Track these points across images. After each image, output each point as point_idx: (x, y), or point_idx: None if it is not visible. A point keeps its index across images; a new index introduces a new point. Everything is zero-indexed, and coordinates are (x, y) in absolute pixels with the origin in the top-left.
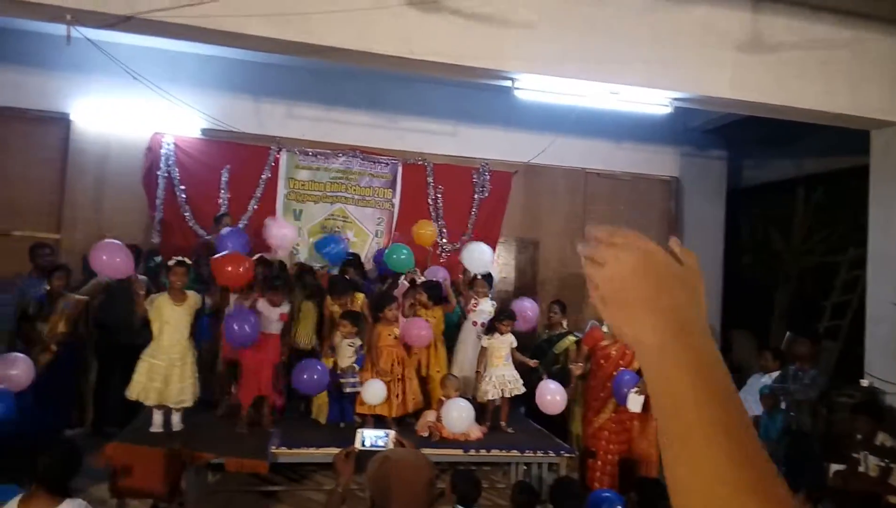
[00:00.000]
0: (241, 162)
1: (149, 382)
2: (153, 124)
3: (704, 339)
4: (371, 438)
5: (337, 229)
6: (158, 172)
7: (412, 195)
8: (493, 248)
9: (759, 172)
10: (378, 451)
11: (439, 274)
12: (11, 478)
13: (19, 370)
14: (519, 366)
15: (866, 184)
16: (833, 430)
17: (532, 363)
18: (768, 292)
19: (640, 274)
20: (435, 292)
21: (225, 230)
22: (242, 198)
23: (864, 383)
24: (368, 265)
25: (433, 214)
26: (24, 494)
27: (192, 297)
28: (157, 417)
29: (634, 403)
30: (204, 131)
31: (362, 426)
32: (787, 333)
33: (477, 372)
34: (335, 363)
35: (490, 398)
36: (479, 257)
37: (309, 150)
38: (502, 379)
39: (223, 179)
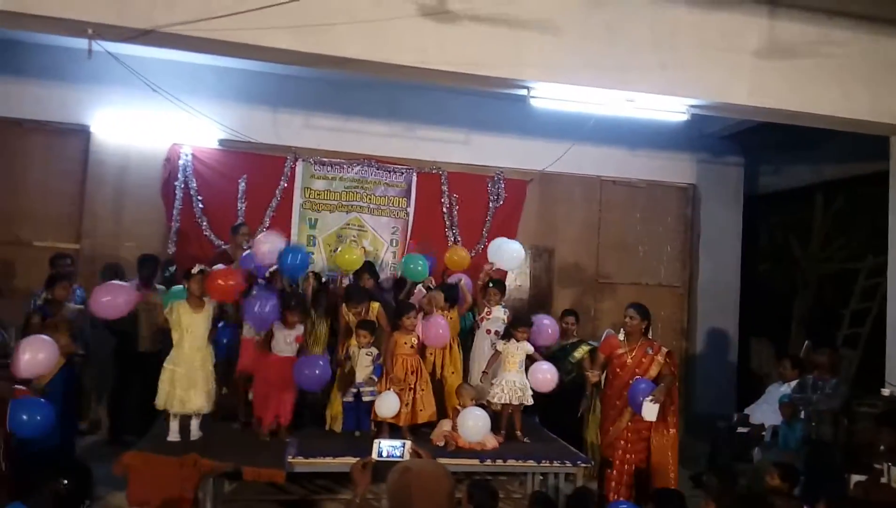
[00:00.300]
0: (258, 172)
1: (172, 390)
2: (171, 135)
3: None
4: (387, 448)
5: (353, 239)
6: (176, 183)
7: (427, 204)
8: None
9: (777, 179)
10: (396, 461)
11: (459, 277)
12: (22, 491)
13: (46, 353)
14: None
15: (886, 190)
16: (854, 440)
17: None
18: (786, 299)
19: None
20: (451, 294)
21: (247, 253)
22: (259, 208)
23: (886, 392)
24: (384, 274)
25: (448, 222)
26: None
27: (210, 304)
28: (174, 425)
29: (649, 412)
30: (221, 142)
31: (378, 434)
32: (806, 341)
33: (484, 373)
34: (351, 372)
35: (499, 401)
36: (510, 253)
37: (324, 159)
38: (513, 385)
39: (240, 189)
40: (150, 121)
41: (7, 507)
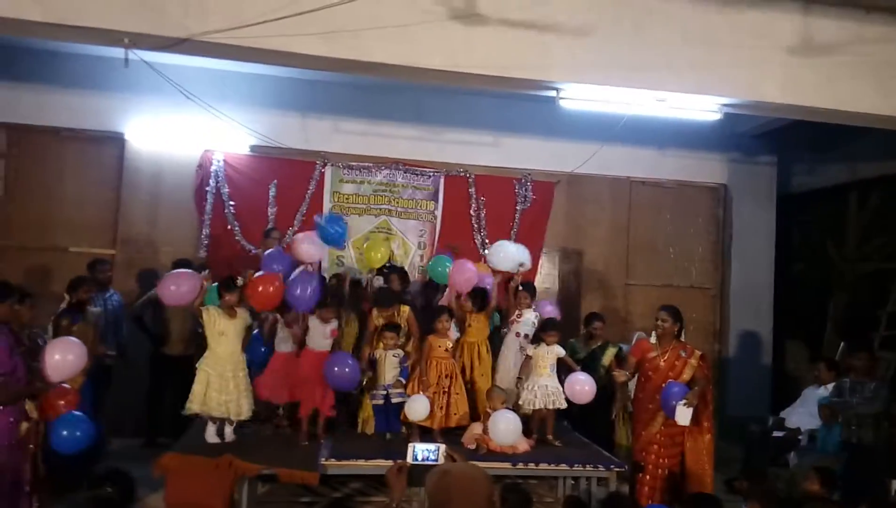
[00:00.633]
0: (288, 177)
1: (207, 392)
2: (204, 142)
3: None
4: (422, 452)
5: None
6: (208, 189)
7: (454, 207)
8: (537, 258)
9: (811, 178)
10: (431, 465)
11: (486, 281)
12: (59, 492)
13: (75, 355)
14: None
15: None
16: (894, 444)
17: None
18: (821, 300)
19: None
20: (479, 297)
21: (269, 251)
22: (289, 212)
23: None
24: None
25: (475, 225)
26: None
27: (243, 313)
28: (211, 428)
29: (683, 416)
30: (252, 148)
31: (409, 437)
32: (842, 343)
33: (518, 379)
34: (377, 376)
35: (531, 407)
36: (504, 255)
37: (353, 163)
38: (545, 390)
39: (271, 194)
40: (183, 128)
41: None
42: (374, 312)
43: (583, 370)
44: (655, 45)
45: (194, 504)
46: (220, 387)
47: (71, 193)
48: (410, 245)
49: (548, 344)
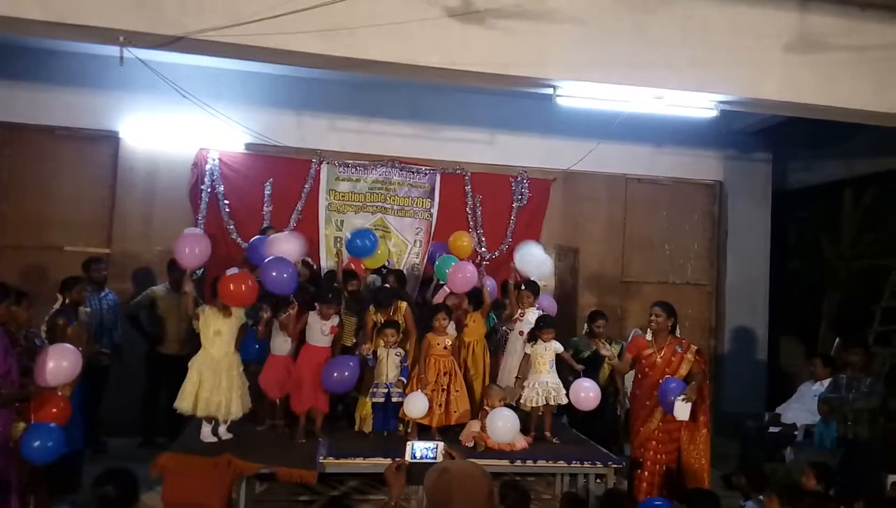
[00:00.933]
0: (284, 175)
1: (200, 392)
2: (199, 140)
3: None
4: (421, 450)
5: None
6: (203, 187)
7: (450, 205)
8: None
9: (806, 175)
10: (430, 463)
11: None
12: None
13: (68, 361)
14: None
15: None
16: (891, 439)
17: (578, 367)
18: (816, 297)
19: None
20: (474, 297)
21: (251, 242)
22: (285, 210)
23: None
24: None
25: (471, 222)
26: None
27: (238, 311)
28: (206, 427)
29: (681, 411)
30: (247, 146)
31: (406, 434)
32: (837, 339)
33: (517, 378)
34: (378, 373)
35: (534, 404)
36: (531, 258)
37: (348, 161)
38: (545, 387)
39: (266, 192)
40: (178, 126)
41: None
42: (372, 309)
43: (587, 367)
44: (654, 42)
45: (192, 503)
46: (213, 386)
47: (66, 191)
48: (406, 243)
49: (544, 341)
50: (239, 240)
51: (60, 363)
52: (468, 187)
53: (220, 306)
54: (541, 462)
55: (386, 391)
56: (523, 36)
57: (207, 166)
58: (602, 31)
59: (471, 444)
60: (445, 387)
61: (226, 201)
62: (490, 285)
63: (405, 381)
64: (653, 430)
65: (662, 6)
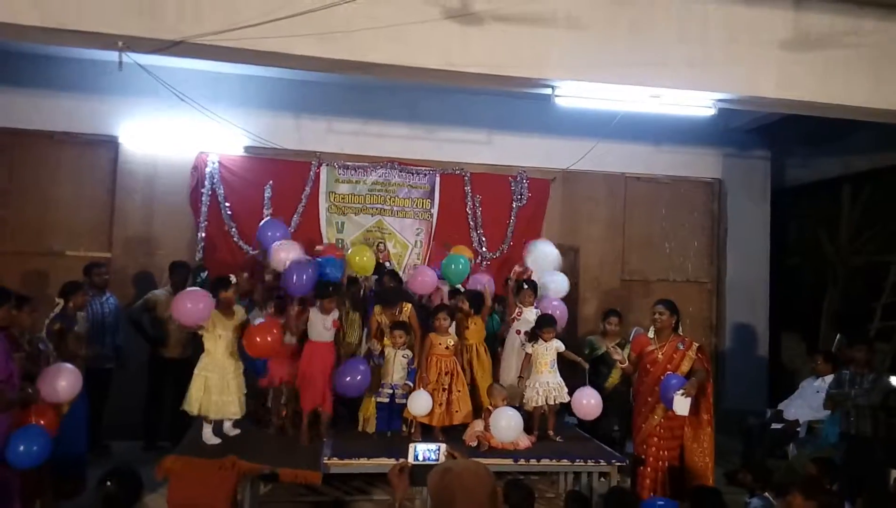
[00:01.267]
0: (283, 178)
1: (206, 395)
2: (198, 144)
3: None
4: (423, 452)
5: (380, 241)
6: (203, 191)
7: (450, 205)
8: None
9: (805, 172)
10: (433, 465)
11: (483, 280)
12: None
13: (67, 381)
14: (565, 371)
15: None
16: (893, 434)
17: (583, 363)
18: (816, 293)
19: None
20: (477, 301)
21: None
22: (285, 213)
23: None
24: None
25: (471, 223)
26: None
27: (240, 311)
28: (208, 429)
29: (681, 406)
30: (247, 149)
31: (409, 434)
32: (838, 335)
33: (520, 377)
34: (384, 373)
35: (535, 404)
36: (545, 256)
37: (348, 163)
38: (546, 387)
39: (266, 194)
40: (177, 130)
41: None
42: (377, 309)
43: (601, 365)
44: (650, 41)
45: (197, 505)
46: (221, 388)
47: (66, 196)
48: (407, 244)
49: (545, 341)
50: (241, 243)
51: (60, 383)
52: (468, 188)
53: (224, 307)
54: (544, 461)
55: (391, 391)
56: (521, 37)
57: (207, 170)
58: (599, 31)
59: (474, 444)
60: (447, 387)
61: (227, 204)
62: (489, 284)
63: (411, 385)
64: (654, 426)
65: (659, 5)
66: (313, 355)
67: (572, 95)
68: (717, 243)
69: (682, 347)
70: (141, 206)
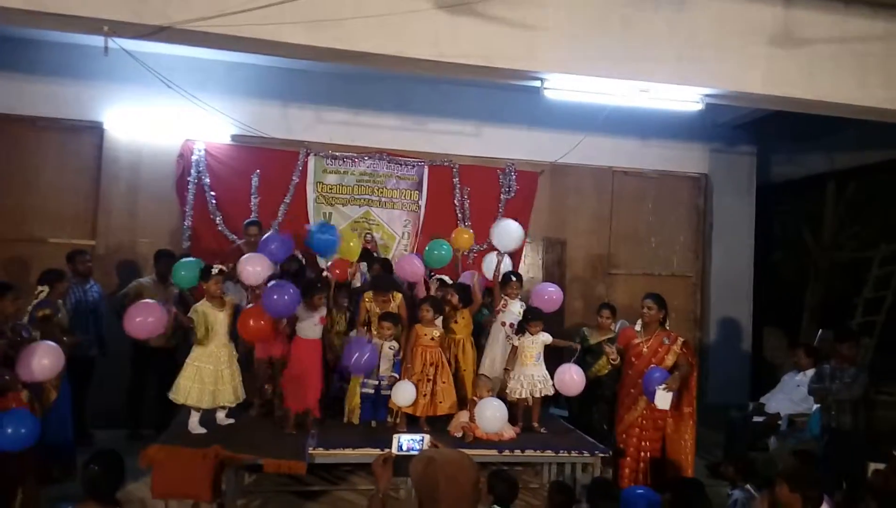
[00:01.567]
0: (271, 167)
1: (198, 385)
2: (184, 131)
3: None
4: (407, 442)
5: (367, 232)
6: (189, 179)
7: (438, 197)
8: (521, 248)
9: (790, 168)
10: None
11: (467, 274)
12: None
13: (49, 359)
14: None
15: None
16: (873, 428)
17: (574, 345)
18: (799, 288)
19: None
20: (465, 294)
21: (266, 236)
22: (272, 203)
23: None
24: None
25: (459, 215)
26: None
27: (230, 301)
28: (195, 418)
29: (663, 400)
30: (234, 137)
31: (395, 425)
32: (820, 330)
33: (506, 370)
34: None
35: (518, 396)
36: (507, 233)
37: (336, 154)
38: (531, 379)
39: (253, 184)
40: (163, 117)
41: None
42: (367, 297)
43: (590, 357)
44: (641, 36)
45: (181, 494)
46: (216, 378)
47: (49, 183)
48: (394, 235)
49: (532, 334)
50: (226, 232)
51: (41, 361)
52: (456, 180)
53: (214, 297)
54: (528, 452)
55: (377, 383)
56: (511, 29)
57: (193, 158)
58: (589, 25)
59: (459, 434)
60: (431, 377)
61: (212, 193)
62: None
63: (397, 377)
64: (636, 418)
65: (649, 0)
66: (302, 352)
67: (561, 87)
68: (702, 237)
69: (667, 341)
70: (126, 193)
